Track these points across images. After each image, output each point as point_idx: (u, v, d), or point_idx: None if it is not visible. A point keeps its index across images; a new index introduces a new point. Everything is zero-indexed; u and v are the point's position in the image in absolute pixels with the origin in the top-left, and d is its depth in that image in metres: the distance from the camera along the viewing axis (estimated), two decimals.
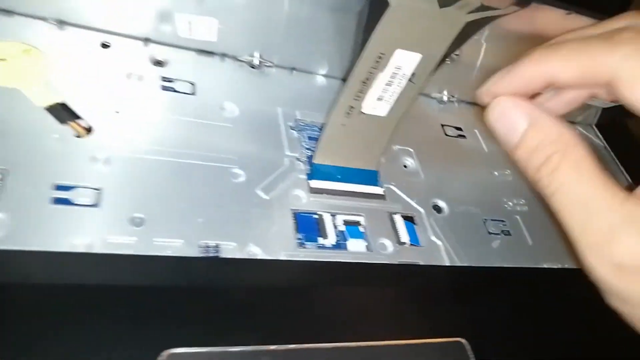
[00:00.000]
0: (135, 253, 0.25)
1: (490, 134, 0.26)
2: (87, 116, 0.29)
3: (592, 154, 0.24)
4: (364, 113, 0.31)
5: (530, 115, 0.26)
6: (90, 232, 0.25)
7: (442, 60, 0.30)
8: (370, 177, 0.34)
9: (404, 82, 0.30)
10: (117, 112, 0.30)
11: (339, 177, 0.33)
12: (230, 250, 0.27)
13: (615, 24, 0.24)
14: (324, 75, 0.39)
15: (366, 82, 0.29)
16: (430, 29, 0.28)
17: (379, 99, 0.30)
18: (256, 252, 0.28)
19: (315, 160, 0.33)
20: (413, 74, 0.29)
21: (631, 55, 0.23)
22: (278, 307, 0.26)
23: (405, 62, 0.29)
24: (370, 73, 0.29)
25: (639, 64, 0.23)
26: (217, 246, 0.27)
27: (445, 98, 0.43)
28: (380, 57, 0.28)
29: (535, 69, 0.26)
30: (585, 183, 0.24)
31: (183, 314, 0.24)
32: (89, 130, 0.29)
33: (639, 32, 0.23)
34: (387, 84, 0.29)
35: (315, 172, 0.33)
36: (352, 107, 0.30)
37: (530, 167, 0.26)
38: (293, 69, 0.38)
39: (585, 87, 0.25)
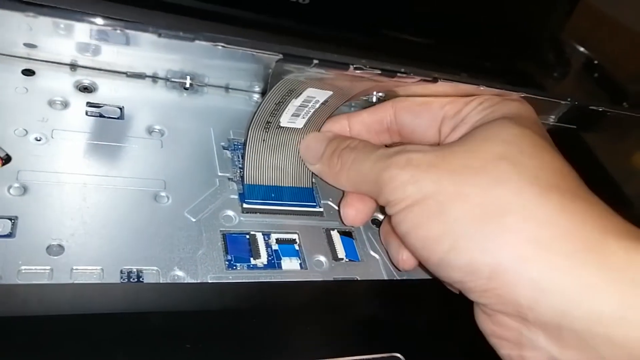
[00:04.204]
0: (49, 282, 0.25)
1: None
2: (5, 145, 0.28)
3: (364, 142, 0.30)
4: (281, 126, 0.31)
5: (328, 140, 0.32)
6: (4, 263, 0.25)
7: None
8: (306, 195, 0.34)
9: (317, 105, 0.30)
10: (38, 140, 0.30)
11: (273, 195, 0.33)
12: (153, 275, 0.27)
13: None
14: (261, 93, 0.39)
15: (280, 105, 0.29)
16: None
17: (295, 116, 0.30)
18: (181, 275, 0.27)
19: (247, 181, 0.32)
20: (326, 101, 0.30)
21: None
22: (206, 331, 0.26)
23: (317, 94, 0.29)
24: (283, 99, 0.29)
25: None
26: (139, 272, 0.27)
27: None
28: (290, 92, 0.28)
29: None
30: (362, 154, 0.29)
31: (103, 343, 0.24)
32: (6, 159, 0.28)
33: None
34: (300, 106, 0.29)
35: (248, 192, 0.32)
36: (269, 122, 0.30)
37: (328, 171, 0.32)
38: (228, 88, 0.38)
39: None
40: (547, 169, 0.25)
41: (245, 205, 0.32)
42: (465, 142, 0.27)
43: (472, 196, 0.24)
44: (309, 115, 0.31)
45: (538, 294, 0.23)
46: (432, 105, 0.29)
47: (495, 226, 0.24)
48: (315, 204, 0.34)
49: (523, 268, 0.23)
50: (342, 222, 0.33)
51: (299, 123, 0.31)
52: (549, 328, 0.23)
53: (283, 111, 0.30)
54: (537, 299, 0.23)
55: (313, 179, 0.34)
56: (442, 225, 0.25)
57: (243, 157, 0.32)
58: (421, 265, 0.30)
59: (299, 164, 0.33)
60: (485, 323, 0.26)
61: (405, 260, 0.30)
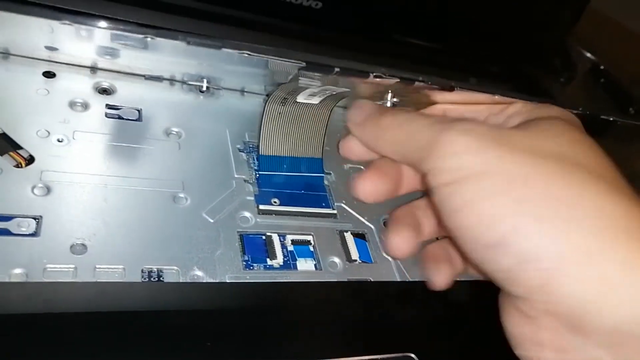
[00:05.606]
0: (74, 280, 0.25)
1: None
2: (28, 146, 0.29)
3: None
4: (298, 102, 0.32)
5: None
6: (30, 261, 0.25)
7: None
8: (316, 165, 0.35)
9: (335, 92, 0.31)
10: (60, 141, 0.30)
11: (285, 166, 0.34)
12: (173, 274, 0.27)
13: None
14: None
15: (298, 89, 0.30)
16: None
17: (311, 95, 0.31)
18: (200, 275, 0.28)
19: (261, 152, 0.33)
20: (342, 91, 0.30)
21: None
22: (225, 330, 0.26)
23: (334, 87, 0.30)
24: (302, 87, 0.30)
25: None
26: (160, 271, 0.27)
27: None
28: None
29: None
30: (417, 115, 0.25)
31: (126, 340, 0.24)
32: (29, 160, 0.29)
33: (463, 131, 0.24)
34: (318, 89, 0.30)
35: (262, 163, 0.34)
36: (286, 98, 0.31)
37: (373, 125, 0.26)
38: (243, 91, 0.38)
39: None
40: (606, 168, 0.23)
41: (260, 207, 0.32)
42: (527, 129, 0.24)
43: (542, 182, 0.22)
44: (325, 95, 0.31)
45: (603, 294, 0.20)
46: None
47: (565, 215, 0.21)
48: (323, 175, 0.35)
49: (589, 263, 0.21)
50: (354, 196, 0.33)
51: (315, 99, 0.32)
52: (610, 333, 0.20)
53: (300, 91, 0.31)
54: (601, 299, 0.20)
55: (323, 155, 0.35)
56: (509, 203, 0.22)
57: (259, 130, 0.33)
58: None
59: (311, 135, 0.34)
60: (520, 325, 0.23)
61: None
